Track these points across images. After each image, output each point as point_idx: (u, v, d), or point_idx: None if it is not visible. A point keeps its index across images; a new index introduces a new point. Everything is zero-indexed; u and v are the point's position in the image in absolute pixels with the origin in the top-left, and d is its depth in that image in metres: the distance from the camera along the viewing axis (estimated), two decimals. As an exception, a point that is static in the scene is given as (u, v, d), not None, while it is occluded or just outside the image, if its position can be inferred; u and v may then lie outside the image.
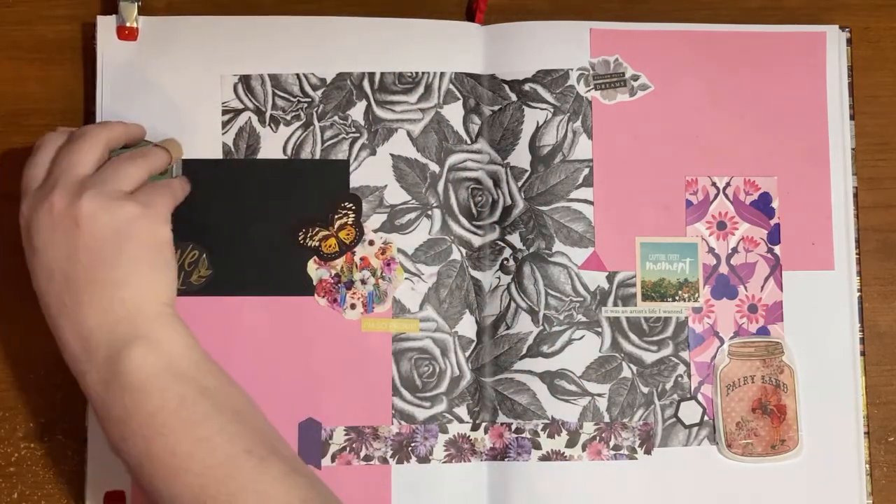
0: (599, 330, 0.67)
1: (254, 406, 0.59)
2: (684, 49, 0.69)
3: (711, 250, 0.68)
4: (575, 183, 0.68)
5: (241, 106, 0.67)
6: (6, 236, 0.67)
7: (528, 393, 0.66)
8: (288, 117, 0.68)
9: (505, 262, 0.67)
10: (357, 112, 0.68)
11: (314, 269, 0.67)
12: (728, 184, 0.68)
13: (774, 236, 0.68)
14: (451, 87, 0.68)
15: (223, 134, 0.67)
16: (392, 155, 0.68)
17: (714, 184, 0.68)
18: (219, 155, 0.67)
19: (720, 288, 0.68)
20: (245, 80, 0.68)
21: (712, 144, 0.69)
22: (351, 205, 0.67)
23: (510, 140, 0.68)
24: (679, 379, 0.67)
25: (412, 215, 0.67)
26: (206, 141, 0.67)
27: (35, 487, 0.66)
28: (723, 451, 0.66)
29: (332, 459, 0.65)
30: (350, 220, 0.67)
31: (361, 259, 0.67)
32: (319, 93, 0.68)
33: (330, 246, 0.67)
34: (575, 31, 0.69)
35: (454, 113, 0.68)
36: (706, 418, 0.67)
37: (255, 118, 0.67)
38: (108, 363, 0.55)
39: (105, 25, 0.67)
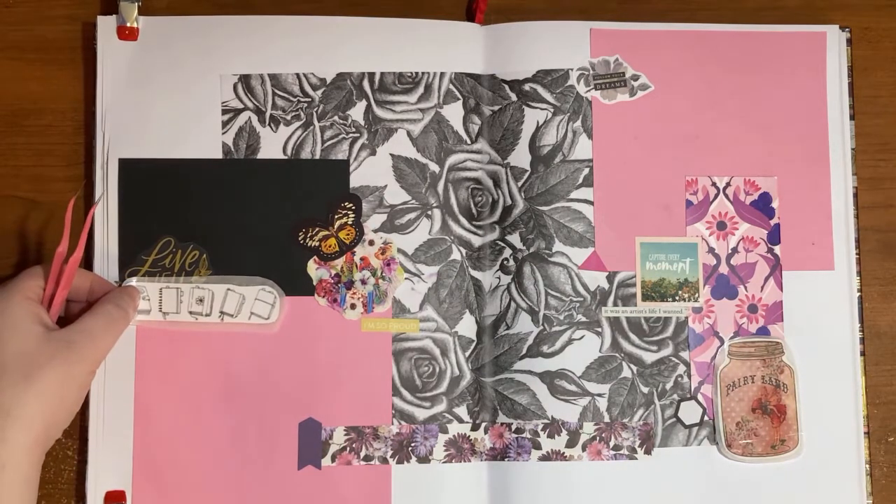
0: (599, 330, 0.67)
1: None
2: (684, 49, 0.69)
3: (711, 250, 0.68)
4: (575, 183, 0.68)
5: (240, 106, 0.67)
6: (6, 238, 0.67)
7: (528, 393, 0.66)
8: (288, 117, 0.68)
9: (505, 262, 0.67)
10: (357, 112, 0.68)
11: (314, 269, 0.67)
12: (728, 184, 0.68)
13: (774, 236, 0.68)
14: (451, 87, 0.68)
15: (223, 133, 0.67)
16: (392, 155, 0.68)
17: (714, 184, 0.68)
18: (219, 155, 0.67)
19: (720, 288, 0.68)
20: (245, 79, 0.68)
21: (712, 144, 0.69)
22: (351, 205, 0.67)
23: (510, 140, 0.68)
24: (679, 379, 0.67)
25: (412, 215, 0.67)
26: (206, 140, 0.67)
27: (35, 487, 0.66)
28: (723, 451, 0.66)
29: (332, 459, 0.65)
30: (350, 220, 0.67)
31: (361, 259, 0.67)
32: (319, 93, 0.68)
33: (330, 246, 0.67)
34: (575, 31, 0.69)
35: (454, 113, 0.68)
36: (706, 418, 0.67)
37: (254, 118, 0.67)
38: None
39: (105, 25, 0.67)
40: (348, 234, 0.67)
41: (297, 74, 0.68)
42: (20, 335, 0.58)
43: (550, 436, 0.66)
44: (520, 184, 0.68)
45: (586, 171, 0.68)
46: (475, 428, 0.66)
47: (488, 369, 0.67)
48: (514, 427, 0.66)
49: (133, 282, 0.65)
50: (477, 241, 0.68)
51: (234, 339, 0.66)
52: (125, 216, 0.66)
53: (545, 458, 0.66)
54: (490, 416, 0.66)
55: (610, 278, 0.67)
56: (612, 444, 0.66)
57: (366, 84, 0.68)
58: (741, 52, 0.69)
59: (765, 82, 0.69)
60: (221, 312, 0.65)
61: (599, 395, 0.67)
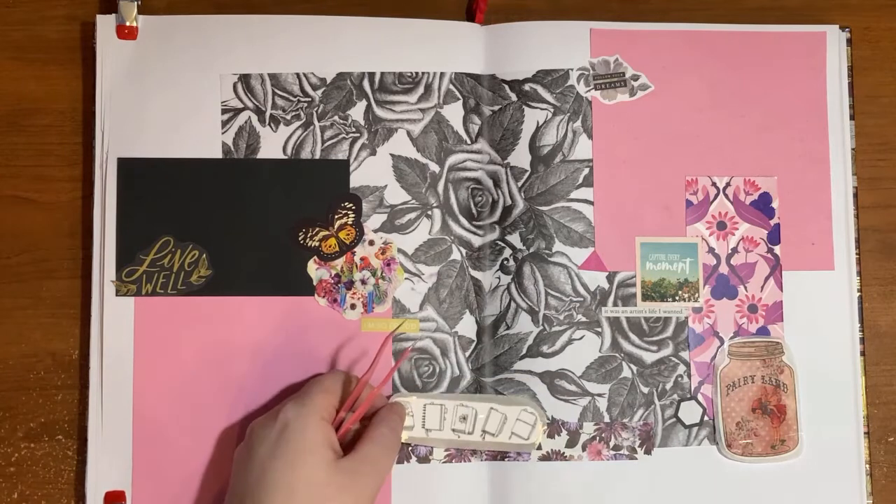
0: (599, 330, 0.67)
1: None
2: (684, 49, 0.69)
3: (711, 250, 0.68)
4: (575, 183, 0.68)
5: (240, 105, 0.67)
6: (6, 238, 0.67)
7: (528, 393, 0.66)
8: (288, 117, 0.68)
9: (505, 262, 0.67)
10: (357, 112, 0.68)
11: (314, 269, 0.67)
12: (728, 184, 0.68)
13: (774, 236, 0.68)
14: (451, 87, 0.68)
15: (223, 133, 0.67)
16: (392, 155, 0.68)
17: (714, 184, 0.68)
18: (218, 154, 0.67)
19: (720, 288, 0.68)
20: (245, 79, 0.68)
21: (712, 144, 0.69)
22: (351, 205, 0.67)
23: (510, 140, 0.68)
24: (679, 379, 0.67)
25: (412, 215, 0.67)
26: (206, 140, 0.67)
27: (35, 487, 0.66)
28: (723, 451, 0.66)
29: (332, 459, 0.65)
30: (350, 220, 0.67)
31: (361, 259, 0.67)
32: (319, 92, 0.68)
33: (330, 246, 0.67)
34: (575, 31, 0.69)
35: (454, 113, 0.68)
36: (706, 418, 0.67)
37: (254, 117, 0.67)
38: None
39: (105, 25, 0.67)
40: (348, 234, 0.67)
41: (297, 74, 0.68)
42: (312, 461, 0.57)
43: (550, 436, 0.66)
44: (520, 184, 0.68)
45: (586, 171, 0.68)
46: (475, 428, 0.66)
47: (488, 369, 0.67)
48: (514, 427, 0.66)
49: (398, 398, 0.65)
50: (477, 241, 0.68)
51: (234, 341, 0.66)
52: (124, 215, 0.66)
53: (545, 458, 0.66)
54: (490, 416, 0.66)
55: (610, 278, 0.67)
56: (612, 444, 0.66)
57: (366, 84, 0.68)
58: (741, 52, 0.69)
59: (765, 82, 0.69)
60: (483, 431, 0.65)
61: (599, 395, 0.67)
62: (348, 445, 0.60)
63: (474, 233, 0.68)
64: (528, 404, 0.65)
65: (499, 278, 0.67)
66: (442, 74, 0.68)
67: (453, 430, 0.65)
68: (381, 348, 0.62)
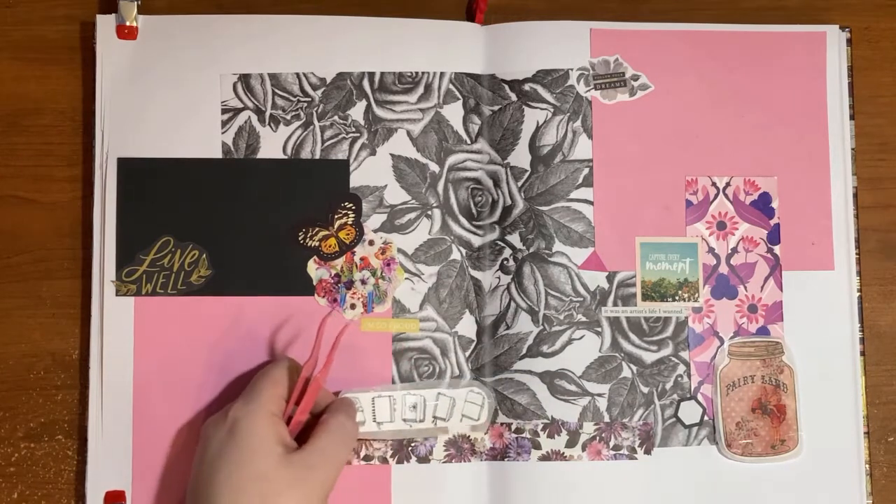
0: (599, 330, 0.67)
1: None
2: (684, 49, 0.69)
3: (711, 250, 0.68)
4: (575, 183, 0.68)
5: (240, 105, 0.67)
6: (6, 238, 0.67)
7: (528, 393, 0.66)
8: (288, 117, 0.68)
9: (505, 262, 0.67)
10: (357, 112, 0.68)
11: (314, 269, 0.67)
12: (728, 184, 0.69)
13: (774, 236, 0.68)
14: (451, 87, 0.68)
15: (223, 133, 0.67)
16: (392, 155, 0.68)
17: (714, 184, 0.68)
18: (218, 154, 0.67)
19: (720, 288, 0.68)
20: (245, 79, 0.68)
21: (712, 144, 0.69)
22: (351, 205, 0.67)
23: (510, 140, 0.68)
24: (679, 379, 0.67)
25: (412, 215, 0.67)
26: (206, 140, 0.67)
27: (35, 487, 0.66)
28: (723, 451, 0.66)
29: (332, 459, 0.65)
30: (350, 220, 0.67)
31: (361, 259, 0.67)
32: (319, 92, 0.68)
33: (330, 246, 0.67)
34: (575, 31, 0.69)
35: (454, 113, 0.68)
36: (706, 418, 0.67)
37: (254, 117, 0.67)
38: None
39: (104, 24, 0.67)
40: (348, 234, 0.67)
41: (297, 74, 0.68)
42: (261, 457, 0.56)
43: (550, 436, 0.66)
44: (520, 184, 0.68)
45: (586, 171, 0.68)
46: (475, 428, 0.66)
47: (488, 369, 0.67)
48: (514, 427, 0.66)
49: (347, 394, 0.65)
50: (477, 241, 0.68)
51: (234, 341, 0.66)
52: (124, 215, 0.66)
53: (545, 458, 0.66)
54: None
55: (610, 278, 0.67)
56: (611, 444, 0.66)
57: (366, 84, 0.68)
58: (741, 52, 0.69)
59: (765, 82, 0.69)
60: (434, 417, 0.65)
61: (599, 395, 0.67)
62: (305, 438, 0.60)
63: (474, 233, 0.68)
64: (473, 385, 0.65)
65: (499, 278, 0.67)
66: (442, 74, 0.68)
67: (404, 420, 0.65)
68: (318, 335, 0.62)
